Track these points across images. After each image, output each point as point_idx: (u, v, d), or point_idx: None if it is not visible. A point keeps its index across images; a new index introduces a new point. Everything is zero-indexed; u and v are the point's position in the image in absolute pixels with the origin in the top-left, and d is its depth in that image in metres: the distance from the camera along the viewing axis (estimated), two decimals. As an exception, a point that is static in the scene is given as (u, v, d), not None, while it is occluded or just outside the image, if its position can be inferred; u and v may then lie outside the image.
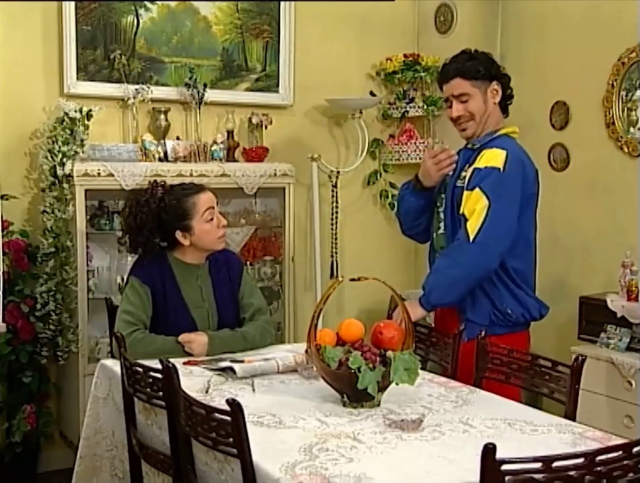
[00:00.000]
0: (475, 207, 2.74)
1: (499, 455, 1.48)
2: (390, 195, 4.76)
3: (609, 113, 3.89)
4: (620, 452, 1.57)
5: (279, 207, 4.28)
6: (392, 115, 4.68)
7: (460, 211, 2.81)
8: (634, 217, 3.70)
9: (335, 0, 4.47)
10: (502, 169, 2.77)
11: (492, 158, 2.79)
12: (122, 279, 3.67)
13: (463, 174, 2.89)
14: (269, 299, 4.08)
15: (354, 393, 2.19)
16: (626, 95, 3.84)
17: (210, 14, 4.24)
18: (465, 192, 2.80)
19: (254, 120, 4.28)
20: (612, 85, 3.87)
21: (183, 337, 2.77)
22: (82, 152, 3.71)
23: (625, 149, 3.84)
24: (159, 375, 2.23)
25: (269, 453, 1.85)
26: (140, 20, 4.07)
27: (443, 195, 2.97)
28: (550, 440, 2.00)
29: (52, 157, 3.69)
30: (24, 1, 3.82)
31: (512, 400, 2.38)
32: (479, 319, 2.82)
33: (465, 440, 1.98)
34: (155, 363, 2.27)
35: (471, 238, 2.72)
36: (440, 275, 2.82)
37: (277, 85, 4.42)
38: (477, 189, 2.75)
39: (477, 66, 2.90)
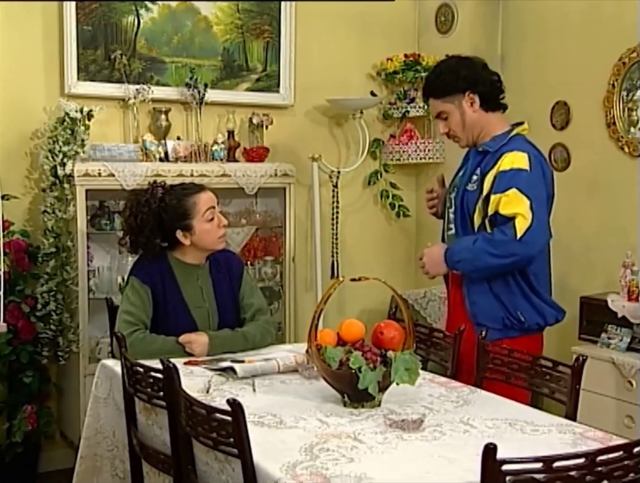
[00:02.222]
0: (517, 208, 2.70)
1: (500, 455, 1.48)
2: (390, 195, 4.76)
3: (610, 113, 3.89)
4: (621, 452, 1.57)
5: (280, 207, 4.27)
6: (393, 115, 4.68)
7: (492, 211, 2.75)
8: (634, 217, 3.69)
9: (335, 0, 4.47)
10: (529, 170, 2.75)
11: (516, 160, 2.76)
12: (123, 279, 3.67)
13: (474, 177, 2.86)
14: (269, 299, 4.08)
15: (354, 394, 2.19)
16: (627, 95, 3.84)
17: (211, 14, 4.24)
18: (494, 196, 2.75)
19: (255, 120, 4.28)
20: (613, 85, 3.86)
21: (183, 338, 2.77)
22: (83, 152, 3.71)
23: (626, 149, 3.84)
24: (159, 375, 2.23)
25: (270, 453, 1.85)
26: (141, 20, 4.07)
27: (452, 196, 2.96)
28: (551, 440, 2.00)
29: (52, 157, 3.69)
30: (24, 1, 3.82)
31: (520, 402, 2.35)
32: (491, 323, 2.79)
33: (466, 440, 1.98)
34: (156, 364, 2.27)
35: (519, 236, 2.69)
36: (475, 255, 2.77)
37: (278, 85, 4.42)
38: (513, 190, 2.71)
39: (444, 83, 2.88)
